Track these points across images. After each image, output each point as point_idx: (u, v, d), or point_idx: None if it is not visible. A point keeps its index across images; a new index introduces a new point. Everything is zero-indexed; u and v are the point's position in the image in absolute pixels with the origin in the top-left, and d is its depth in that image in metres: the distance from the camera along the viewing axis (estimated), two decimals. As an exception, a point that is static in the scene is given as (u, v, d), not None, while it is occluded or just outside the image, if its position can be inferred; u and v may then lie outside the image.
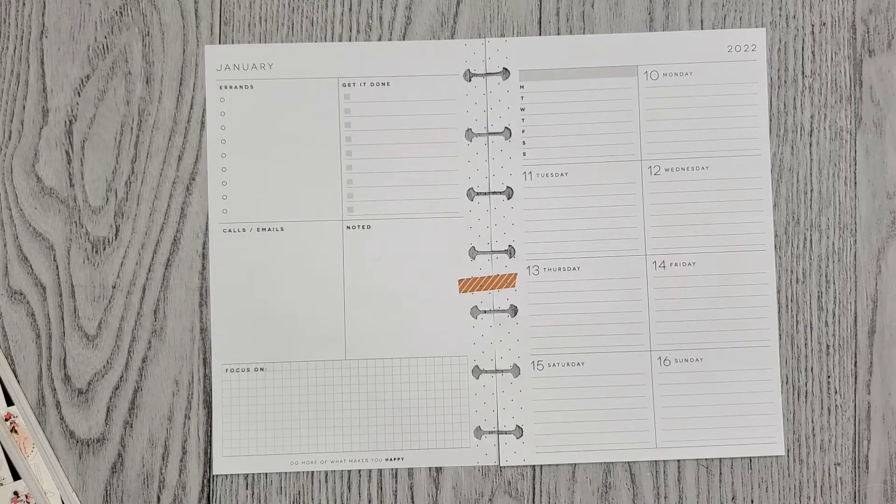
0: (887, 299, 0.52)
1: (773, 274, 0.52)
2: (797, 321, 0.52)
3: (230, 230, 0.52)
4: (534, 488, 0.51)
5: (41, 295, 0.51)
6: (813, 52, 0.53)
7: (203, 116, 0.52)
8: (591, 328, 0.52)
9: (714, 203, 0.52)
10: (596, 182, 0.52)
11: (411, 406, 0.51)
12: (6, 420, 0.50)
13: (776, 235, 0.52)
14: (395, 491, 0.51)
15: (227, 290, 0.52)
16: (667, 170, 0.52)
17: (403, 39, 0.53)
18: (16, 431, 0.50)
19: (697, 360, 0.52)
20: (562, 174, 0.52)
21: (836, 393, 0.52)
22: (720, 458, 0.52)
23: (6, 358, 0.51)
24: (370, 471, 0.51)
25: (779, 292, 0.52)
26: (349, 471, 0.51)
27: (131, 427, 0.51)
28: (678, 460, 0.52)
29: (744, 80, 0.53)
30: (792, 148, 0.53)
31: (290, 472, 0.51)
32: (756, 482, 0.52)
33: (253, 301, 0.51)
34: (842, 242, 0.52)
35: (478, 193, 0.52)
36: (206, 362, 0.51)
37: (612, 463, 0.52)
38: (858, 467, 0.52)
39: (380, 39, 0.53)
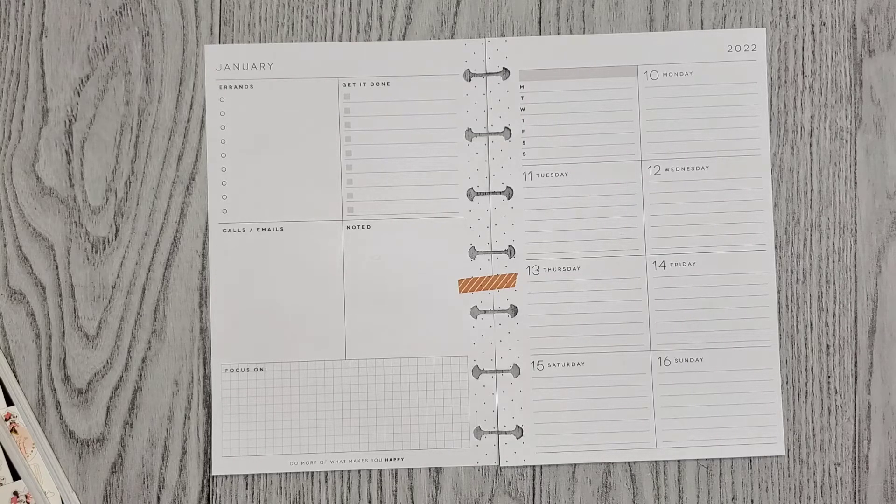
0: (887, 299, 0.52)
1: (773, 274, 0.52)
2: (797, 321, 0.52)
3: (230, 230, 0.52)
4: (534, 488, 0.51)
5: (41, 295, 0.51)
6: (813, 52, 0.53)
7: (203, 116, 0.52)
8: (591, 328, 0.52)
9: (714, 203, 0.52)
10: (596, 182, 0.52)
11: (411, 406, 0.51)
12: (6, 420, 0.50)
13: (776, 235, 0.52)
14: (395, 491, 0.51)
15: (227, 290, 0.52)
16: (667, 170, 0.52)
17: (403, 39, 0.53)
18: (16, 431, 0.50)
19: (697, 360, 0.52)
20: (562, 174, 0.52)
21: (836, 393, 0.52)
22: (720, 458, 0.52)
23: (6, 358, 0.51)
24: (370, 471, 0.51)
25: (779, 292, 0.52)
26: (349, 471, 0.51)
27: (131, 427, 0.51)
28: (678, 460, 0.52)
29: (744, 80, 0.53)
30: (792, 148, 0.53)
31: (289, 473, 0.51)
32: (756, 482, 0.52)
33: (253, 301, 0.51)
34: (842, 242, 0.52)
35: (478, 193, 0.52)
36: (206, 362, 0.51)
37: (612, 463, 0.52)
38: (858, 467, 0.52)
39: (380, 39, 0.53)
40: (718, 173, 0.52)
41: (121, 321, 0.51)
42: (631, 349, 0.52)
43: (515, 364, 0.52)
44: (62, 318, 0.51)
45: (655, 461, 0.52)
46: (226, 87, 0.52)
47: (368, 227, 0.52)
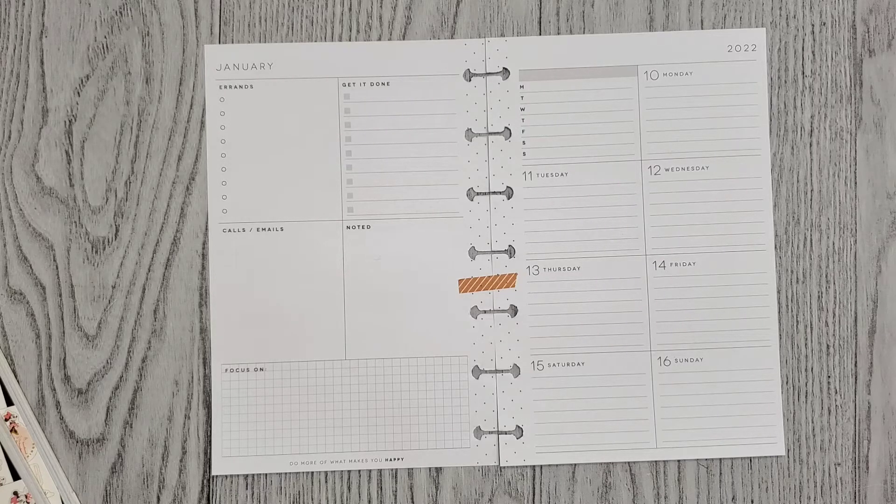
0: (887, 299, 0.52)
1: (773, 274, 0.52)
2: (797, 321, 0.52)
3: (230, 230, 0.52)
4: (534, 488, 0.51)
5: (41, 295, 0.51)
6: (813, 52, 0.53)
7: (203, 116, 0.52)
8: (591, 328, 0.52)
9: (714, 203, 0.52)
10: (596, 182, 0.52)
11: (411, 406, 0.51)
12: (6, 420, 0.50)
13: (776, 235, 0.52)
14: (395, 491, 0.51)
15: (227, 290, 0.52)
16: (667, 170, 0.52)
17: (403, 39, 0.53)
18: (16, 431, 0.50)
19: (697, 360, 0.52)
20: (562, 174, 0.52)
21: (836, 393, 0.52)
22: (720, 458, 0.52)
23: (6, 358, 0.51)
24: (370, 471, 0.51)
25: (779, 292, 0.52)
26: (349, 471, 0.51)
27: (131, 427, 0.51)
28: (678, 460, 0.52)
29: (744, 80, 0.53)
30: (792, 148, 0.53)
31: (289, 473, 0.51)
32: (756, 482, 0.52)
33: (253, 301, 0.51)
34: (842, 242, 0.52)
35: (478, 193, 0.52)
36: (206, 362, 0.51)
37: (612, 463, 0.52)
38: (858, 467, 0.52)
39: (380, 39, 0.53)
40: (718, 173, 0.52)
41: (121, 321, 0.51)
42: (631, 349, 0.52)
43: (515, 364, 0.52)
44: (62, 318, 0.51)
45: (655, 461, 0.52)
46: (226, 87, 0.52)
47: (368, 227, 0.52)
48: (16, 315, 0.51)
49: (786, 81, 0.53)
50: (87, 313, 0.51)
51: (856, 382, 0.52)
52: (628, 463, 0.52)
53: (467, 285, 0.52)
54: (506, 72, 0.53)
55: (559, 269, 0.52)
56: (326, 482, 0.51)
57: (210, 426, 0.51)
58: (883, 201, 0.53)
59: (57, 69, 0.52)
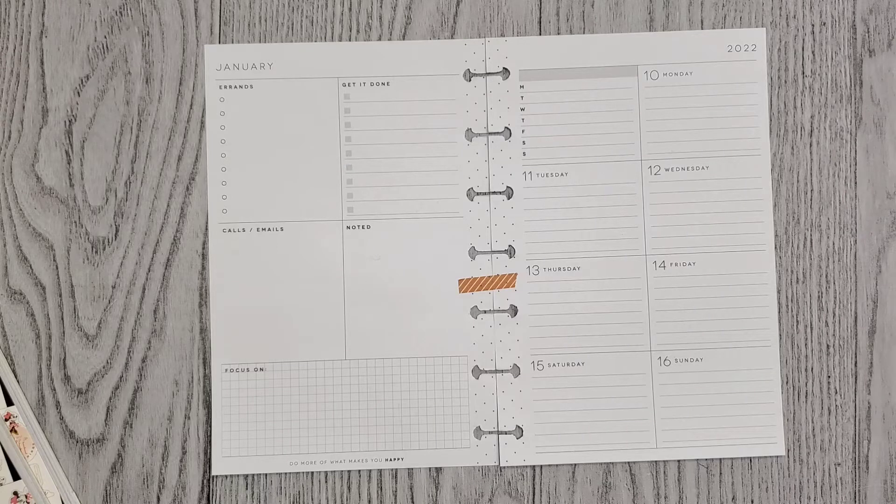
0: (887, 299, 0.52)
1: (773, 274, 0.52)
2: (797, 321, 0.52)
3: (230, 230, 0.52)
4: (534, 488, 0.51)
5: (41, 295, 0.51)
6: (813, 52, 0.53)
7: (203, 116, 0.52)
8: (591, 328, 0.52)
9: (714, 203, 0.52)
10: (596, 182, 0.52)
11: (411, 406, 0.51)
12: (6, 420, 0.50)
13: (776, 235, 0.52)
14: (395, 491, 0.51)
15: (227, 290, 0.52)
16: (667, 170, 0.52)
17: (403, 39, 0.53)
18: (16, 431, 0.50)
19: (697, 360, 0.52)
20: (562, 174, 0.52)
21: (836, 393, 0.52)
22: (720, 458, 0.52)
23: (6, 358, 0.51)
24: (370, 471, 0.51)
25: (779, 292, 0.52)
26: (349, 471, 0.51)
27: (131, 427, 0.51)
28: (678, 460, 0.52)
29: (744, 80, 0.53)
30: (792, 148, 0.53)
31: (289, 473, 0.51)
32: (756, 482, 0.52)
33: (253, 301, 0.51)
34: (842, 242, 0.52)
35: (478, 193, 0.52)
36: (206, 362, 0.51)
37: (612, 463, 0.52)
38: (858, 467, 0.52)
39: (380, 39, 0.53)
40: (718, 173, 0.52)
41: (121, 321, 0.51)
42: (631, 349, 0.52)
43: (515, 364, 0.52)
44: (62, 318, 0.51)
45: (655, 461, 0.52)
46: (226, 87, 0.52)
47: (368, 227, 0.52)
48: (16, 315, 0.51)
49: (786, 81, 0.53)
50: (87, 313, 0.51)
51: (856, 382, 0.52)
52: (628, 463, 0.52)
53: (467, 285, 0.52)
54: (506, 72, 0.53)
55: (559, 269, 0.52)
56: (326, 482, 0.51)
57: (210, 426, 0.51)
58: (883, 201, 0.53)
59: (57, 69, 0.52)
